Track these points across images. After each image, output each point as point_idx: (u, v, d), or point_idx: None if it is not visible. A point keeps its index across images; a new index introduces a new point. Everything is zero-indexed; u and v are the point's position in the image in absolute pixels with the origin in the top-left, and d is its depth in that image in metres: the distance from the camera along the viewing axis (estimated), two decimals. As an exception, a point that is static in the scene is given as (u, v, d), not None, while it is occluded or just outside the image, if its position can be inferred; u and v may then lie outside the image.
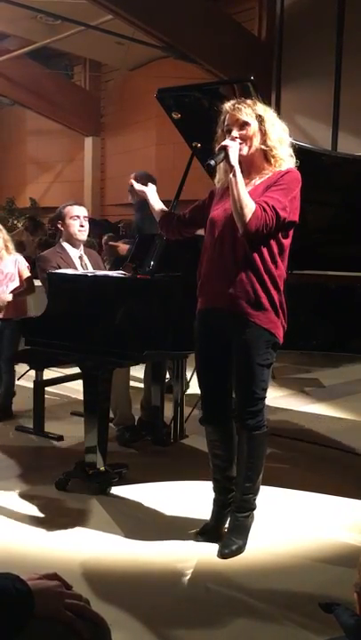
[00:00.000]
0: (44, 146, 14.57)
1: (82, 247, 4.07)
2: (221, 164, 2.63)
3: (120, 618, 2.19)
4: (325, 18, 8.91)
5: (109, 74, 13.44)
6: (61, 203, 4.24)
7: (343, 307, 3.23)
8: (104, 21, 9.53)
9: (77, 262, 3.98)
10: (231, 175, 2.52)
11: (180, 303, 3.06)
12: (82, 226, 3.95)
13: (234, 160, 2.51)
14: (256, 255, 2.55)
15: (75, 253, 4.00)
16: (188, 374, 4.22)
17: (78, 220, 3.95)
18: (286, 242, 2.62)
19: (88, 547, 2.72)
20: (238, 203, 2.48)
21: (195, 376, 2.87)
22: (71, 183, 14.11)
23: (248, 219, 2.46)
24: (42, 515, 3.01)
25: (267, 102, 2.70)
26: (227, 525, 2.79)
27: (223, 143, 2.55)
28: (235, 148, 2.54)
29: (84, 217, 4.00)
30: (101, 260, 4.43)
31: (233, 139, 2.57)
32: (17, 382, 4.65)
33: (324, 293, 3.29)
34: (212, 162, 2.54)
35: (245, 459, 2.67)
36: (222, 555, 2.63)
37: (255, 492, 2.73)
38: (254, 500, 2.74)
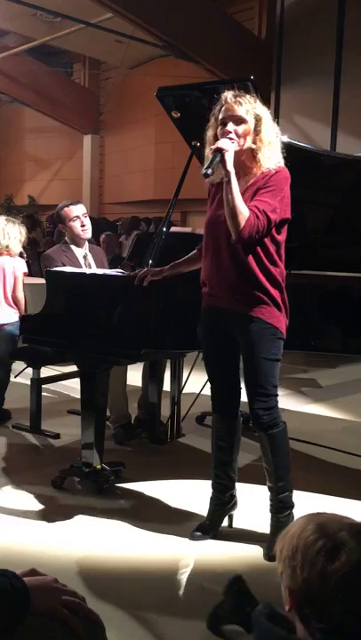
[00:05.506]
0: (42, 143, 14.58)
1: (87, 245, 4.01)
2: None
3: (115, 615, 2.19)
4: (326, 18, 8.93)
5: (109, 72, 13.45)
6: (60, 201, 4.18)
7: (341, 308, 3.24)
8: (104, 19, 9.53)
9: (82, 261, 3.94)
10: (226, 181, 2.43)
11: (178, 302, 3.06)
12: (83, 225, 3.87)
13: (230, 164, 2.42)
14: (252, 257, 2.52)
15: (79, 253, 3.94)
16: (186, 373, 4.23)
17: (78, 220, 3.87)
18: (281, 237, 2.59)
19: (84, 545, 2.72)
20: (233, 210, 2.42)
21: (191, 376, 2.86)
22: (70, 181, 14.11)
23: (242, 226, 2.41)
24: (38, 513, 3.01)
25: (266, 104, 2.68)
26: (224, 524, 2.79)
27: (219, 145, 2.43)
28: (231, 151, 2.44)
29: (84, 215, 3.91)
30: (105, 257, 4.39)
31: (227, 133, 2.47)
32: (14, 380, 4.64)
33: (322, 294, 3.29)
34: (209, 170, 2.42)
35: (271, 460, 2.65)
36: (269, 557, 2.56)
37: (290, 490, 2.71)
38: (290, 497, 2.71)
